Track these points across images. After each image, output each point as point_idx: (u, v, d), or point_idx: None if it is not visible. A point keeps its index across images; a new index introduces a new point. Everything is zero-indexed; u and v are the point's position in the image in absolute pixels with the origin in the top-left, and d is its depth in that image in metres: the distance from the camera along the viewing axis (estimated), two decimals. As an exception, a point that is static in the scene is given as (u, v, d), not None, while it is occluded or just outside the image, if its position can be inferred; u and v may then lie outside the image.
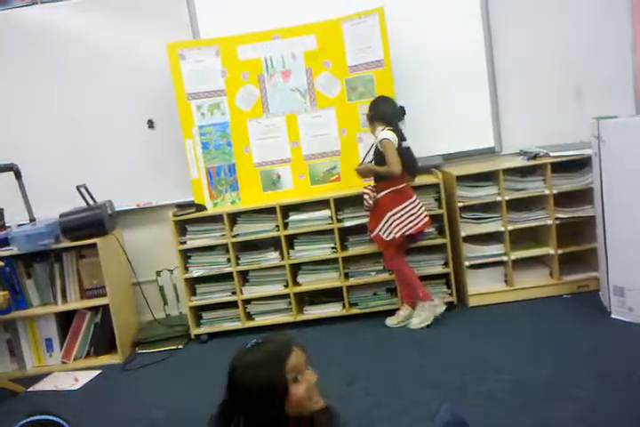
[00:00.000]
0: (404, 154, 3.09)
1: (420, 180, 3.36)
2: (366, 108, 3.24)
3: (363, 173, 3.20)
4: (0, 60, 3.65)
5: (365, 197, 3.13)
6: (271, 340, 1.45)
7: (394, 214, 3.07)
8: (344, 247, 3.45)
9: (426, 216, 3.15)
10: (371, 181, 3.23)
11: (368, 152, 3.26)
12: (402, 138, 3.10)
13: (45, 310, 3.43)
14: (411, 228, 3.09)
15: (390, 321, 3.28)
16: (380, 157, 3.09)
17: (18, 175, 3.36)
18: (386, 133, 3.04)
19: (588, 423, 2.08)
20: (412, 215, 3.09)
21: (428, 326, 3.17)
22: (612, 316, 2.97)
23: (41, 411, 1.46)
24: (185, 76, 3.49)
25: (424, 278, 3.32)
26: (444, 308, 3.23)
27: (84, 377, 3.23)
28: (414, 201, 3.13)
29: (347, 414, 1.61)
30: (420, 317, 3.20)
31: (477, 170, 3.38)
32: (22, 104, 3.70)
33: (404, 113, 3.17)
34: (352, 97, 3.50)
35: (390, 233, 3.08)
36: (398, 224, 3.07)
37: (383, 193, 3.10)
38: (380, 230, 3.11)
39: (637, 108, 3.58)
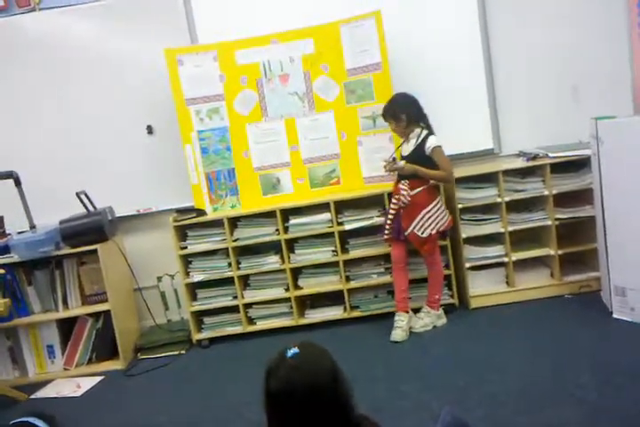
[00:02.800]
0: None
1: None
2: (366, 111, 3.23)
3: (407, 171, 3.06)
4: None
5: (403, 193, 3.07)
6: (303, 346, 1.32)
7: (428, 211, 3.09)
8: (345, 250, 3.45)
9: (449, 213, 3.20)
10: (374, 183, 3.21)
11: (394, 153, 3.20)
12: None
13: (47, 316, 3.43)
14: (443, 224, 3.12)
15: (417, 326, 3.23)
16: (422, 162, 3.05)
17: (17, 183, 3.35)
18: (435, 140, 3.06)
19: (590, 424, 2.08)
20: (442, 212, 3.14)
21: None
22: (614, 316, 2.96)
23: (33, 413, 1.45)
24: (183, 82, 3.50)
25: (425, 280, 3.31)
26: (445, 321, 3.25)
27: (87, 383, 3.23)
28: (440, 198, 3.19)
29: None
30: (424, 320, 3.21)
31: (477, 171, 3.38)
32: (21, 111, 3.70)
33: None
34: (351, 100, 3.51)
35: (426, 229, 3.08)
36: (433, 220, 3.09)
37: (417, 190, 3.09)
38: (414, 228, 3.10)
39: (636, 108, 3.58)
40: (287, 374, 1.24)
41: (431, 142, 3.05)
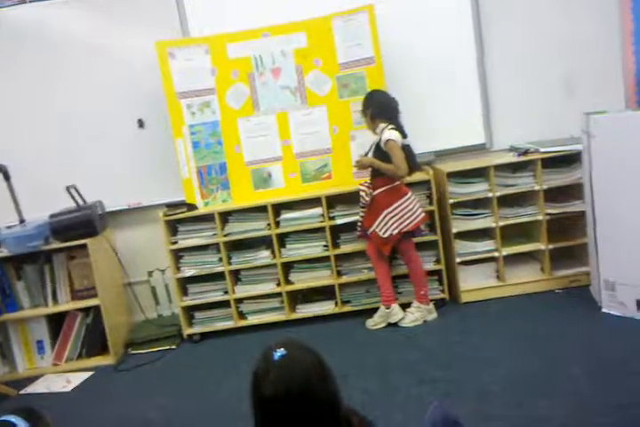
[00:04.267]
0: (405, 151, 3.07)
1: (411, 177, 3.34)
2: (359, 105, 3.22)
3: (363, 164, 3.14)
4: (-13, 61, 3.63)
5: (362, 193, 3.13)
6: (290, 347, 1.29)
7: (390, 212, 3.07)
8: (336, 245, 3.45)
9: (422, 212, 3.16)
10: (365, 177, 3.23)
11: (370, 149, 3.21)
12: (404, 135, 3.08)
13: (36, 311, 3.41)
14: (407, 224, 3.09)
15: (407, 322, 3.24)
16: (382, 157, 3.06)
17: (7, 176, 3.32)
18: (390, 133, 3.02)
19: (580, 416, 2.09)
20: (408, 212, 3.10)
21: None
22: (603, 310, 2.98)
23: (16, 410, 1.40)
24: (174, 75, 3.48)
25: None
26: (435, 316, 3.26)
27: (77, 379, 3.22)
28: (410, 197, 3.13)
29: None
30: (413, 315, 3.22)
31: (468, 166, 3.38)
32: (11, 104, 3.66)
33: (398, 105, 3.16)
34: (343, 94, 3.50)
35: (387, 230, 3.08)
36: (395, 221, 3.07)
37: (379, 190, 3.09)
38: (376, 227, 3.10)
39: (627, 103, 3.60)
40: (280, 375, 1.21)
41: (384, 136, 3.02)
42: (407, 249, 3.21)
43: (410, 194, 3.14)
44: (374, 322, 3.24)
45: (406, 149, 3.09)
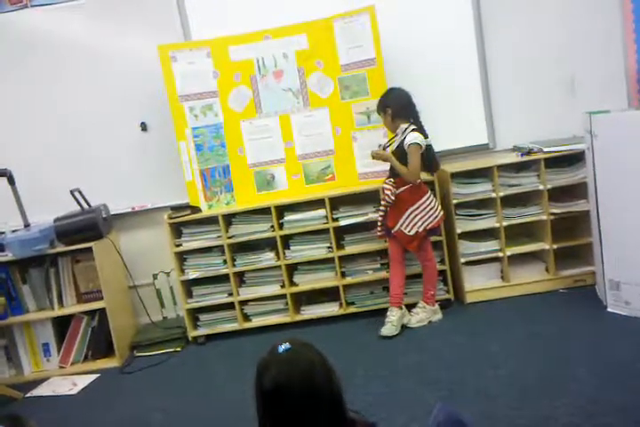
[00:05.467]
0: (427, 151, 3.08)
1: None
2: (361, 107, 3.23)
3: (380, 156, 3.11)
4: (-9, 64, 3.65)
5: (387, 192, 3.08)
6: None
7: (415, 209, 3.08)
8: (340, 246, 3.45)
9: (441, 210, 3.18)
10: (369, 178, 3.21)
11: (387, 143, 3.20)
12: (425, 135, 3.07)
13: (42, 315, 3.42)
14: (431, 222, 3.11)
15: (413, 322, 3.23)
16: (402, 156, 3.05)
17: (11, 181, 3.34)
18: (416, 137, 3.01)
19: (586, 417, 2.08)
20: (430, 209, 3.11)
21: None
22: (609, 309, 2.97)
23: (2, 416, 1.38)
24: (177, 78, 3.48)
25: (420, 276, 3.31)
26: (440, 316, 3.26)
27: (83, 381, 3.22)
28: (430, 195, 3.15)
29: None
30: (419, 316, 3.22)
31: (471, 167, 3.38)
32: (15, 108, 3.68)
33: None
34: (345, 96, 3.50)
35: (413, 227, 3.08)
36: (420, 218, 3.08)
37: (403, 188, 3.09)
38: (401, 225, 3.10)
39: (630, 102, 3.59)
40: (282, 368, 1.22)
41: (409, 139, 3.02)
42: (427, 248, 3.21)
43: (429, 192, 3.16)
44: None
45: (428, 150, 3.10)
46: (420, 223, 3.08)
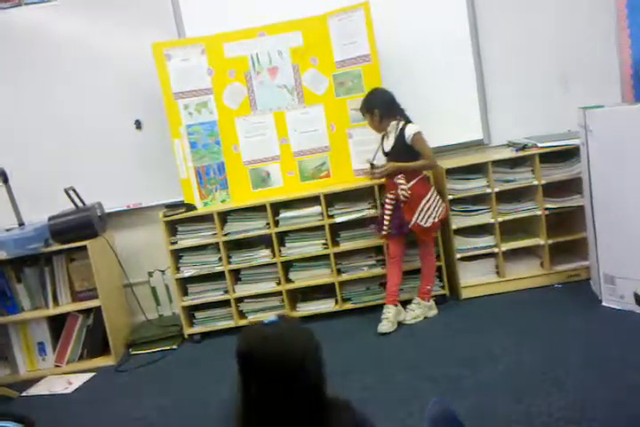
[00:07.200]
0: None
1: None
2: (355, 103, 3.22)
3: (392, 171, 3.08)
4: (-16, 63, 3.62)
5: (403, 187, 3.07)
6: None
7: (427, 201, 3.11)
8: (335, 243, 3.45)
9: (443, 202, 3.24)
10: (362, 176, 3.22)
11: (378, 150, 3.21)
12: None
13: (37, 314, 3.40)
14: (442, 211, 3.16)
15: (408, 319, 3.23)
16: (407, 151, 3.07)
17: (5, 179, 3.32)
18: (415, 127, 3.06)
19: (581, 411, 2.09)
20: (438, 201, 3.16)
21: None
22: (603, 304, 2.98)
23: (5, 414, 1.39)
24: (171, 76, 3.47)
25: (416, 272, 3.32)
26: (435, 312, 3.26)
27: (78, 380, 3.22)
28: (433, 187, 3.20)
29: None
30: (415, 312, 3.22)
31: (466, 162, 3.39)
32: (8, 106, 3.65)
33: None
34: (340, 92, 3.50)
35: (429, 218, 3.10)
36: (433, 209, 3.12)
37: (413, 182, 3.10)
38: (417, 219, 3.10)
39: (624, 96, 3.60)
40: (254, 340, 1.25)
41: (410, 130, 3.05)
42: (430, 242, 3.23)
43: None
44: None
45: None
46: (434, 214, 3.12)
